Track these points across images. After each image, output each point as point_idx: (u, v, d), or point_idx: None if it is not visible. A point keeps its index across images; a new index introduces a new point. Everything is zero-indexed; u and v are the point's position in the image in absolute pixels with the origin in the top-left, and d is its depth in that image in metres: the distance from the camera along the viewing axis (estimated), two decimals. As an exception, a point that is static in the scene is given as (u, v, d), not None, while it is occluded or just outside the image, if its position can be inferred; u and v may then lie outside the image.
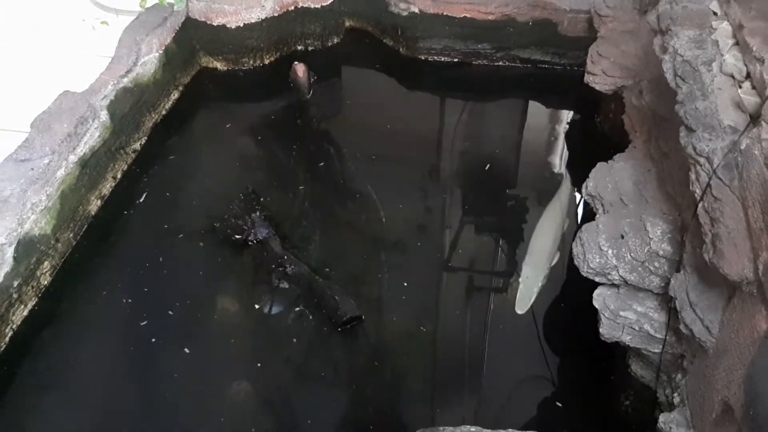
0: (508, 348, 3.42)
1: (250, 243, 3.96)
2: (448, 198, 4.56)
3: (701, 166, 2.48)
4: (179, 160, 4.68)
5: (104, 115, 4.11)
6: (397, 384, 3.33)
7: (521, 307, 3.59)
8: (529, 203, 4.52)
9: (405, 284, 3.85)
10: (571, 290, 3.67)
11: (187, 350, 3.48)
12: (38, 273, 3.60)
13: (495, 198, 4.57)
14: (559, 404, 3.22)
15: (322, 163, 4.73)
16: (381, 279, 3.90)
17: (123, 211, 4.20)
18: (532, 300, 3.62)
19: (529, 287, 3.68)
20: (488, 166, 4.70)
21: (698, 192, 2.46)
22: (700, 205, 2.43)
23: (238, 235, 3.99)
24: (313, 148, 4.94)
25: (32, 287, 3.56)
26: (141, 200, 4.29)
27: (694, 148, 2.50)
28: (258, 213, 4.07)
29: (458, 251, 4.16)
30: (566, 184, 4.43)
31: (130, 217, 4.20)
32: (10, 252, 3.37)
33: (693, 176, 2.52)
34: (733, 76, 2.73)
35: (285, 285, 3.79)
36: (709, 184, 2.40)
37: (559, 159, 4.86)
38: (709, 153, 2.44)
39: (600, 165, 3.40)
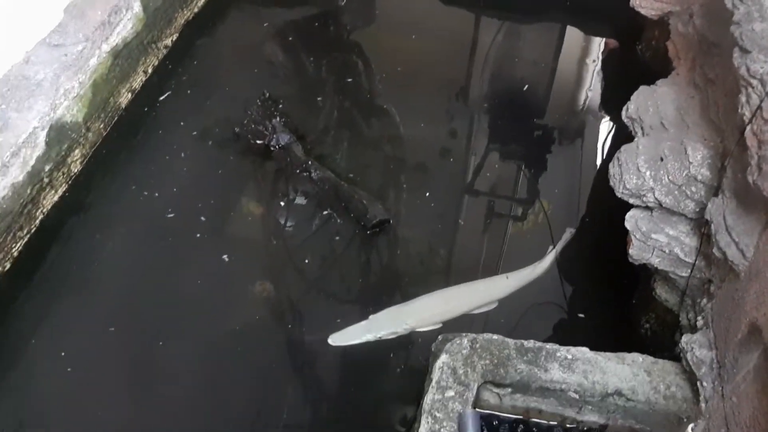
0: (540, 253, 3.45)
1: (272, 148, 3.96)
2: (476, 121, 4.51)
3: (753, 88, 2.41)
4: (208, 60, 4.65)
5: (137, 7, 4.04)
6: (422, 288, 3.36)
7: (335, 338, 3.06)
8: (558, 134, 4.46)
9: (427, 194, 3.88)
10: (599, 212, 3.65)
11: (213, 247, 3.53)
12: (69, 160, 3.62)
13: (522, 125, 4.51)
14: (581, 315, 3.28)
15: (350, 79, 4.66)
16: (403, 193, 3.91)
17: (152, 106, 4.19)
18: (352, 343, 3.06)
19: (363, 329, 3.09)
20: (526, 86, 4.62)
21: (747, 114, 2.41)
22: (748, 127, 2.38)
23: (259, 140, 3.98)
24: (341, 60, 4.86)
25: (63, 174, 3.59)
26: (163, 97, 4.26)
27: (748, 69, 2.44)
28: (278, 119, 4.04)
29: (481, 174, 4.14)
30: (542, 264, 3.45)
31: (159, 113, 4.19)
32: (42, 136, 3.38)
33: (743, 99, 2.46)
34: (793, 0, 2.63)
35: (311, 189, 3.80)
36: (760, 107, 2.34)
37: (596, 86, 4.77)
38: (763, 75, 2.38)
39: (642, 88, 3.33)
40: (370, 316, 3.15)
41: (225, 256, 3.47)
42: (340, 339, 3.07)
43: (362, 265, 3.53)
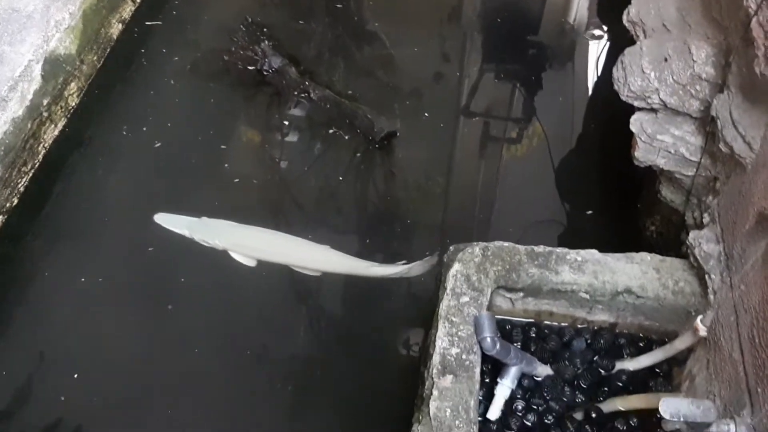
0: (539, 170, 3.46)
1: (265, 72, 3.91)
2: (468, 42, 4.46)
3: (759, -21, 2.40)
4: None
5: (122, -67, 3.94)
6: (431, 201, 3.40)
7: (160, 217, 3.01)
8: (551, 52, 4.42)
9: (426, 115, 3.87)
10: (601, 119, 3.66)
11: (218, 177, 3.54)
12: (66, 93, 3.59)
13: (515, 44, 4.47)
14: (590, 211, 3.34)
15: (340, 5, 4.58)
16: (399, 114, 3.89)
17: (142, 37, 4.12)
18: (171, 229, 2.99)
19: (186, 224, 2.99)
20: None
21: (753, 7, 2.40)
22: (754, 19, 2.37)
23: (250, 65, 3.93)
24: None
25: (61, 107, 3.57)
26: (151, 23, 4.18)
27: (754, -39, 2.41)
28: (266, 42, 3.97)
29: (475, 95, 4.13)
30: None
31: (150, 44, 4.13)
32: (38, 69, 3.35)
33: (749, -9, 2.44)
34: None
35: (311, 109, 3.78)
36: (766, -3, 2.33)
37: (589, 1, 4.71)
38: (770, -35, 2.36)
39: (642, -10, 3.29)
40: (203, 217, 3.04)
41: (232, 184, 3.48)
42: (163, 220, 3.01)
43: (362, 187, 3.55)
